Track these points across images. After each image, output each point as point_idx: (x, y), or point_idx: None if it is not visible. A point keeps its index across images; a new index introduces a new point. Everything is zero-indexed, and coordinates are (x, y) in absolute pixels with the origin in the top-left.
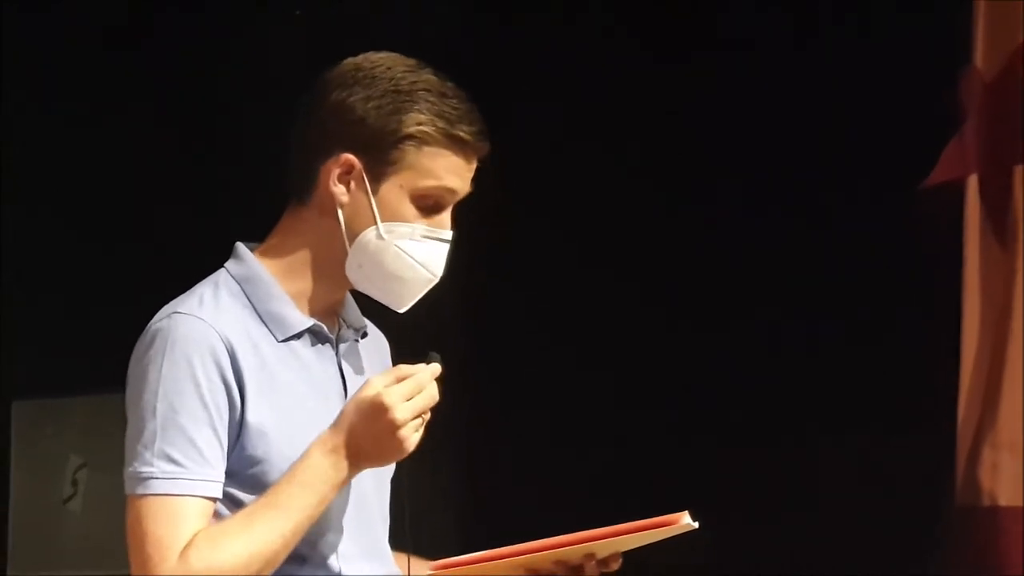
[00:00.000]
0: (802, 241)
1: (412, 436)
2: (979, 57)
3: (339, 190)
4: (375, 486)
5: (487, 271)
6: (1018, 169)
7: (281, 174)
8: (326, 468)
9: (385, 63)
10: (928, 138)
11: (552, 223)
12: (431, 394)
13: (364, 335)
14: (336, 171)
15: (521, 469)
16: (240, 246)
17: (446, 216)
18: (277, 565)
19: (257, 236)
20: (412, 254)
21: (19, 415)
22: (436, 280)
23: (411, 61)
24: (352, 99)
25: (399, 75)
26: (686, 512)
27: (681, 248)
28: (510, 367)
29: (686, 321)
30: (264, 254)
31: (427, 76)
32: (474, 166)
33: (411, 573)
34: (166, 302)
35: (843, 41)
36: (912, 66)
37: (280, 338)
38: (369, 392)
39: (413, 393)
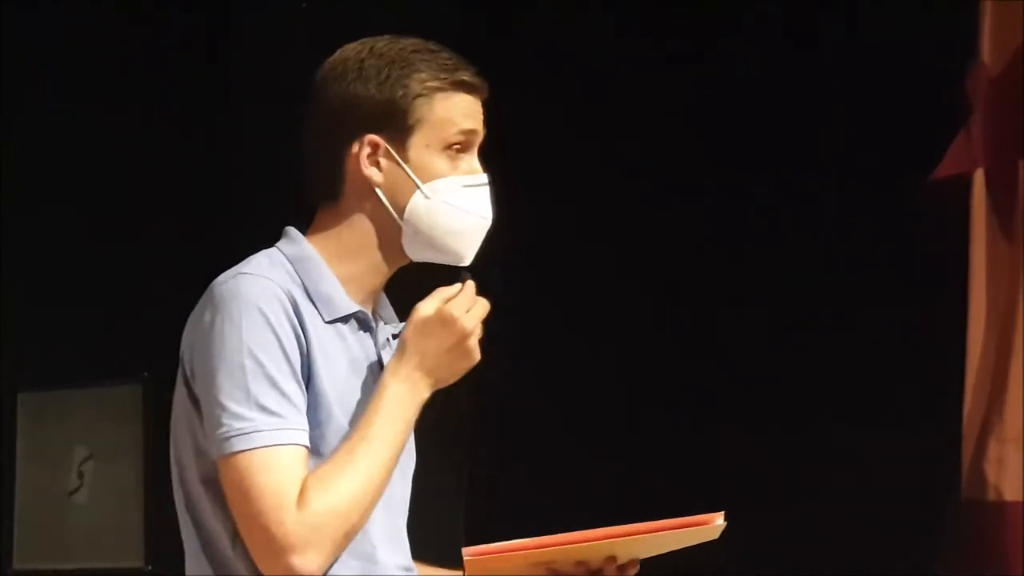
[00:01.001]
0: (807, 237)
1: (476, 347)
2: (986, 52)
3: (372, 172)
4: (400, 476)
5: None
6: (1023, 164)
7: (299, 184)
8: (404, 395)
9: (366, 46)
10: (935, 133)
11: (551, 222)
12: (484, 303)
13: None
14: (364, 154)
15: (533, 470)
16: (292, 229)
17: (475, 161)
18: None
19: (257, 235)
20: (460, 205)
21: (25, 407)
22: (489, 222)
23: (385, 36)
24: (352, 87)
25: (384, 49)
26: (721, 513)
27: (684, 247)
28: (516, 367)
29: (689, 319)
30: (312, 239)
31: (410, 40)
32: (481, 107)
33: None
34: (170, 293)
35: (849, 38)
36: (919, 61)
37: (327, 319)
38: (427, 311)
39: (471, 306)
